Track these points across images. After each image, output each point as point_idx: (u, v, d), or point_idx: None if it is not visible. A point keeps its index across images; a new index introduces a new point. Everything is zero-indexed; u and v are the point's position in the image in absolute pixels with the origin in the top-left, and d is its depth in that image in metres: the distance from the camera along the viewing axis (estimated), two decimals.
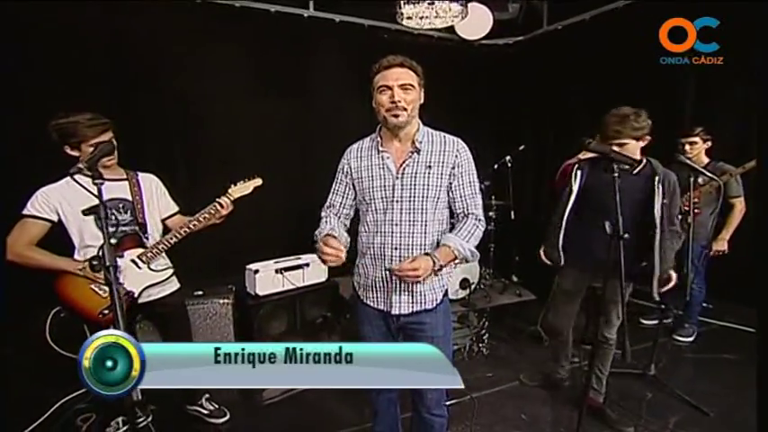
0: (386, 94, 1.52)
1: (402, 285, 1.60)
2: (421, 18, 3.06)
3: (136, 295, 2.03)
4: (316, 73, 4.45)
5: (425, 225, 1.57)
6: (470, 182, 1.64)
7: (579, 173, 2.24)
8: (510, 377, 2.83)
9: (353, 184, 1.68)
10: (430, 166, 1.57)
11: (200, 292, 2.99)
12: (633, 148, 2.04)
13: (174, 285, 2.24)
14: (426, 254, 1.51)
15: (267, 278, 3.17)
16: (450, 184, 1.61)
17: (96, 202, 1.87)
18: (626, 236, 1.59)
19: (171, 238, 2.08)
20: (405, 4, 2.86)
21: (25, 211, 1.88)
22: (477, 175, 1.70)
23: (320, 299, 3.47)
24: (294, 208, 4.43)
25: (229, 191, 2.19)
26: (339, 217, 1.74)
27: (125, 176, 2.08)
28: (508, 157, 4.35)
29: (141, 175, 2.16)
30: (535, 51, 5.05)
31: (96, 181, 1.36)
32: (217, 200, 2.14)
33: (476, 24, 4.43)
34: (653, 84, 3.87)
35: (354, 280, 1.77)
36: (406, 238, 1.57)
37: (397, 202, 1.56)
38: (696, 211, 3.01)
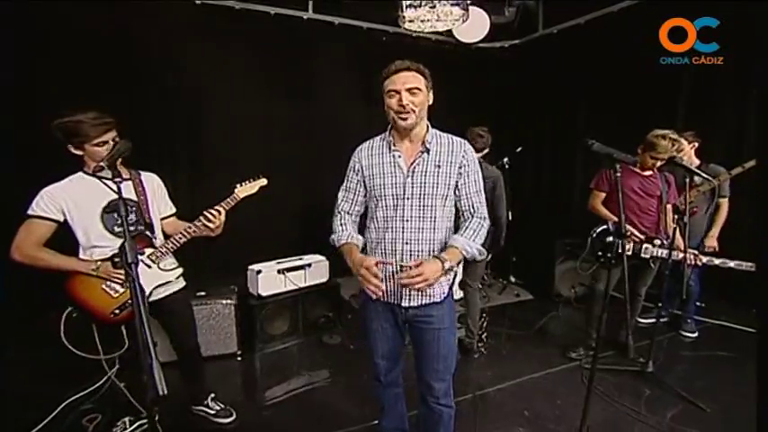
0: (394, 98, 1.58)
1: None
2: (422, 21, 3.09)
3: (147, 294, 2.01)
4: (316, 74, 4.49)
5: (434, 221, 1.63)
6: (475, 181, 1.71)
7: None
8: (509, 375, 2.86)
9: (364, 182, 1.73)
10: (439, 166, 1.63)
11: (203, 293, 2.99)
12: None
13: (181, 284, 2.23)
14: (435, 257, 1.56)
15: (270, 278, 3.19)
16: (457, 183, 1.68)
17: (104, 200, 1.93)
18: (629, 234, 1.64)
19: (180, 238, 2.07)
20: (407, 7, 2.89)
21: (30, 212, 1.85)
22: None
23: (322, 299, 3.49)
24: (294, 209, 4.46)
25: (236, 190, 2.23)
26: (351, 215, 1.79)
27: (129, 176, 2.05)
28: (506, 159, 4.40)
29: (144, 175, 2.14)
30: (531, 54, 5.12)
31: (116, 179, 1.35)
32: (206, 211, 2.09)
33: (473, 28, 4.47)
34: (648, 86, 3.96)
35: None
36: (417, 232, 1.63)
37: (407, 198, 1.62)
38: (695, 209, 3.10)
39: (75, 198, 1.89)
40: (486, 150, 3.05)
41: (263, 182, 2.33)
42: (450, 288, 1.75)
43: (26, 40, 3.08)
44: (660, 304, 2.82)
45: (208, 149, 4.01)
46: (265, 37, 4.14)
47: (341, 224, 1.76)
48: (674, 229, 2.64)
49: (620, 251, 1.68)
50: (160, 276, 2.08)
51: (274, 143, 4.30)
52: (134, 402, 2.14)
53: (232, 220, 2.29)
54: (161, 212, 2.20)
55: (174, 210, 2.28)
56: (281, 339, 3.28)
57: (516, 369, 2.94)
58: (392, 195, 1.64)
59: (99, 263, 1.90)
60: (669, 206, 2.85)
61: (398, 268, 1.64)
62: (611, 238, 2.80)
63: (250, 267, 3.22)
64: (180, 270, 2.18)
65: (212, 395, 2.45)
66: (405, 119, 1.58)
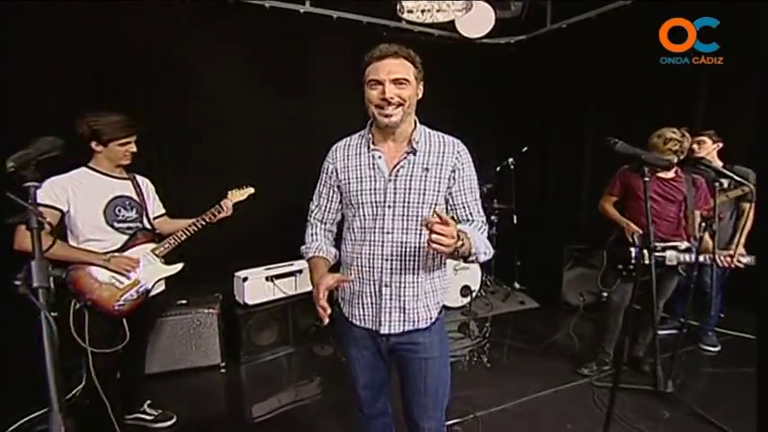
0: (376, 89, 1.33)
1: (393, 302, 1.42)
2: (422, 12, 2.90)
3: (149, 288, 2.08)
4: (312, 71, 4.30)
5: (420, 234, 1.39)
6: (471, 187, 1.48)
7: None
8: (514, 393, 2.63)
9: (339, 187, 1.50)
10: (427, 169, 1.40)
11: (184, 301, 2.82)
12: None
13: (161, 286, 2.21)
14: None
15: (257, 286, 3.01)
16: (450, 189, 1.45)
17: (108, 195, 1.99)
18: (656, 245, 1.42)
19: (181, 235, 2.16)
20: None
21: (37, 200, 1.76)
22: (479, 179, 1.59)
23: (313, 307, 3.23)
24: (287, 212, 4.25)
25: (229, 194, 2.33)
26: (325, 224, 1.58)
27: (127, 176, 2.14)
28: (511, 159, 4.20)
29: (138, 177, 2.22)
30: (538, 51, 4.90)
31: (30, 183, 1.10)
32: (219, 203, 2.27)
33: (477, 22, 4.29)
34: (661, 83, 3.74)
35: (338, 294, 1.55)
36: (399, 247, 1.39)
37: (389, 207, 1.39)
38: (721, 216, 2.84)
39: (81, 189, 1.92)
40: None
41: (251, 191, 2.40)
42: (440, 313, 1.51)
43: (16, 37, 2.91)
44: (683, 320, 2.57)
45: (198, 147, 3.83)
46: (260, 31, 3.96)
47: (312, 234, 1.57)
48: (700, 237, 2.40)
49: (645, 262, 1.45)
50: (164, 270, 2.14)
51: (268, 142, 4.11)
52: (113, 419, 1.97)
53: (221, 224, 2.32)
54: (153, 213, 2.27)
55: (163, 210, 2.34)
56: (269, 350, 3.08)
57: (521, 386, 2.71)
58: (371, 203, 1.41)
59: (110, 255, 1.95)
60: (696, 212, 2.59)
61: (378, 289, 1.41)
62: (631, 250, 2.56)
63: (236, 274, 3.04)
64: (181, 264, 2.20)
65: (148, 402, 2.39)
66: (388, 115, 1.33)
